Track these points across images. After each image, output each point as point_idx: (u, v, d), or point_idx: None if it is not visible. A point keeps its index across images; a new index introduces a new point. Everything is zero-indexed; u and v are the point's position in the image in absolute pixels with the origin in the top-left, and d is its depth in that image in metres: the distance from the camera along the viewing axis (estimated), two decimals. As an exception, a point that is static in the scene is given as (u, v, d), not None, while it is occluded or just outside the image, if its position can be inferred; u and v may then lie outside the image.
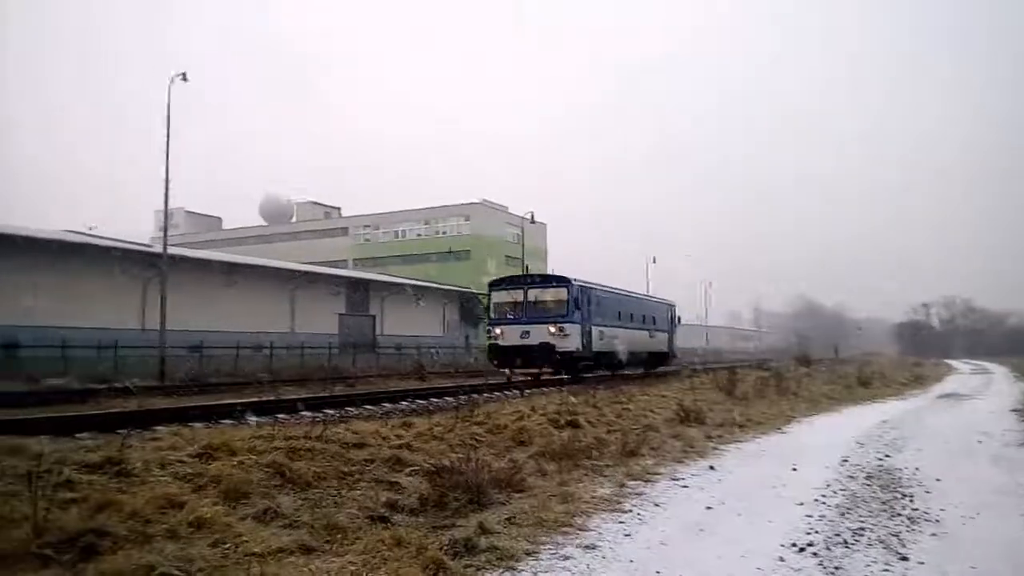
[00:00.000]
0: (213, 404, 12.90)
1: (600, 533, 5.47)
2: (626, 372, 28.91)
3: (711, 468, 8.48)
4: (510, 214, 68.96)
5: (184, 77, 26.29)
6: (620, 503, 6.50)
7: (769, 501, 6.75)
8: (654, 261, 67.25)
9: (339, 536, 4.97)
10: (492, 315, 25.03)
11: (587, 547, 5.07)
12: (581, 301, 23.78)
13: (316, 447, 7.22)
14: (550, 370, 23.07)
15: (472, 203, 69.44)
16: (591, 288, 25.18)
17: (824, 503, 6.63)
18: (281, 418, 11.47)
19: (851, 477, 7.98)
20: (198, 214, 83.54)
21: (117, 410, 12.36)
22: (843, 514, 6.21)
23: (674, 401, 14.40)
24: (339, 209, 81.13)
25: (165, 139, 26.44)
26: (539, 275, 26.60)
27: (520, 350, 22.97)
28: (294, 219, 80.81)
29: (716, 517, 6.10)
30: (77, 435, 8.18)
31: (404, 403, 15.80)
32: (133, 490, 5.34)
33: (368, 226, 73.76)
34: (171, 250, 29.45)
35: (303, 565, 4.29)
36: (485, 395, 17.72)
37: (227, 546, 4.51)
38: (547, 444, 8.93)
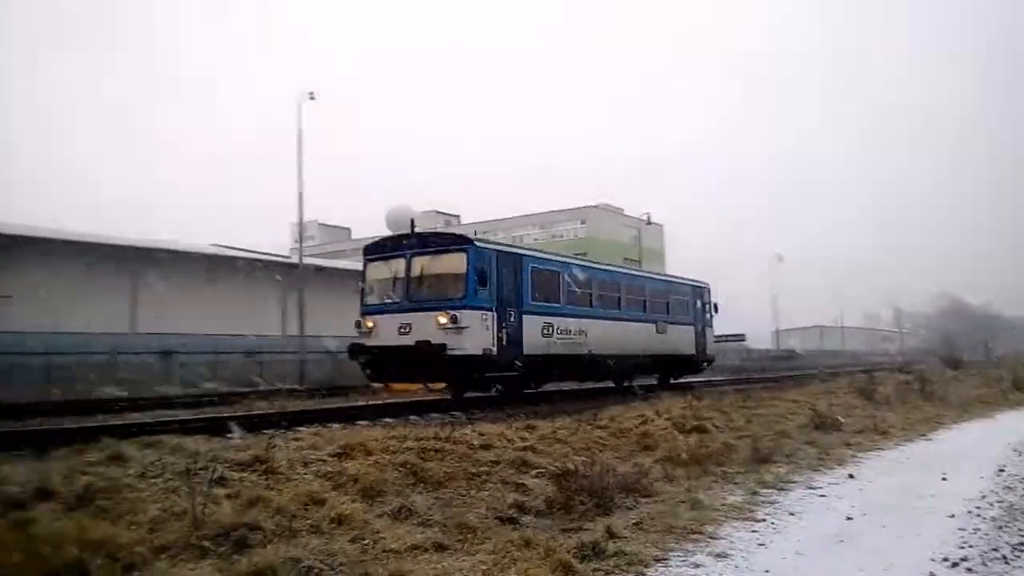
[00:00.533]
0: (348, 406, 13.51)
1: (732, 542, 5.32)
2: (632, 384, 20.64)
3: (850, 476, 8.06)
4: (626, 216, 68.23)
5: (312, 96, 27.74)
6: (752, 511, 6.30)
7: (916, 512, 6.34)
8: (780, 260, 64.79)
9: (470, 535, 5.10)
10: (366, 298, 16.36)
11: (718, 555, 4.95)
12: (496, 276, 15.09)
13: (445, 448, 7.45)
14: (440, 385, 14.70)
15: (588, 206, 69.19)
16: (520, 255, 16.76)
17: (979, 515, 6.15)
18: (411, 419, 11.87)
19: (1009, 488, 7.37)
20: (330, 226, 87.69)
21: (262, 412, 13.18)
22: (1001, 527, 5.74)
23: (807, 406, 13.78)
24: (458, 216, 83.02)
25: (297, 156, 27.98)
26: (428, 234, 16.97)
27: (395, 353, 14.50)
28: (416, 228, 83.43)
29: (857, 528, 5.80)
30: (228, 435, 8.78)
31: (528, 406, 15.96)
32: (279, 487, 5.70)
33: (486, 232, 75.07)
34: (306, 260, 31.07)
35: (437, 562, 4.43)
36: (608, 398, 17.61)
37: (366, 542, 4.73)
38: (673, 449, 8.78)
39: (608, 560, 4.71)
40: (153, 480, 5.74)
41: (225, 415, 11.49)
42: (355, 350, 15.37)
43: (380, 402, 14.88)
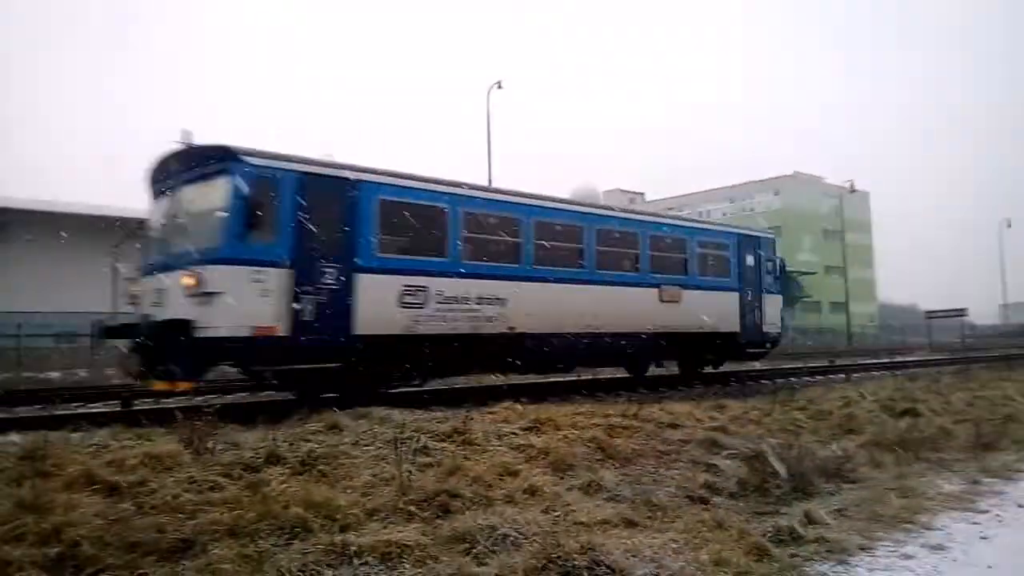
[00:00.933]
0: (537, 383, 13.90)
1: (949, 533, 4.89)
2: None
3: (1097, 468, 7.09)
4: (826, 184, 63.80)
5: (500, 85, 28.53)
6: (973, 502, 5.74)
7: None
8: (1009, 226, 57.83)
9: (659, 513, 5.10)
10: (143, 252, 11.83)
11: (933, 547, 4.57)
12: (292, 212, 10.00)
13: (632, 425, 7.50)
14: (186, 385, 9.89)
15: (781, 176, 65.42)
16: (351, 181, 10.79)
17: None
18: (599, 396, 12.00)
19: None
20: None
21: (459, 386, 13.89)
22: None
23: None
24: (642, 194, 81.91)
25: (487, 143, 28.91)
26: (191, 150, 10.64)
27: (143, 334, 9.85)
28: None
29: (1106, 526, 5.11)
30: (431, 408, 9.37)
31: (716, 385, 15.58)
32: (475, 458, 6.02)
33: (671, 208, 73.57)
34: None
35: (627, 537, 4.46)
36: (805, 379, 16.72)
37: (557, 514, 4.87)
38: (880, 433, 8.19)
39: (807, 546, 4.52)
40: (365, 448, 6.27)
41: (430, 388, 12.23)
42: (99, 331, 11.11)
43: (570, 379, 15.13)
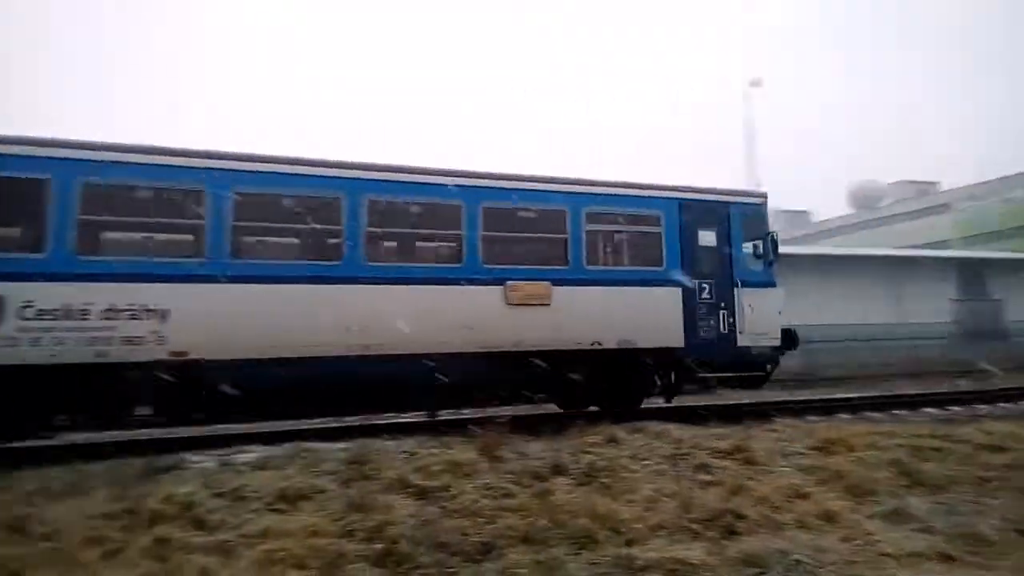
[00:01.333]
0: (822, 398, 12.95)
1: None
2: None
3: None
4: None
5: (757, 83, 27.22)
6: None
7: None
8: None
9: (983, 548, 4.52)
10: None
11: None
12: None
13: (943, 447, 6.73)
14: None
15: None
16: None
17: None
18: (897, 414, 10.89)
19: None
20: (787, 211, 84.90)
21: (735, 402, 13.37)
22: None
23: None
24: (935, 184, 72.70)
25: (745, 144, 27.68)
26: None
27: None
28: (886, 201, 75.36)
29: None
30: (707, 424, 9.13)
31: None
32: (759, 477, 5.79)
33: (973, 198, 64.20)
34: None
35: (943, 573, 4.02)
36: None
37: (857, 543, 4.52)
38: None
39: None
40: (644, 462, 6.31)
41: (705, 403, 11.94)
42: None
43: (860, 395, 13.89)
